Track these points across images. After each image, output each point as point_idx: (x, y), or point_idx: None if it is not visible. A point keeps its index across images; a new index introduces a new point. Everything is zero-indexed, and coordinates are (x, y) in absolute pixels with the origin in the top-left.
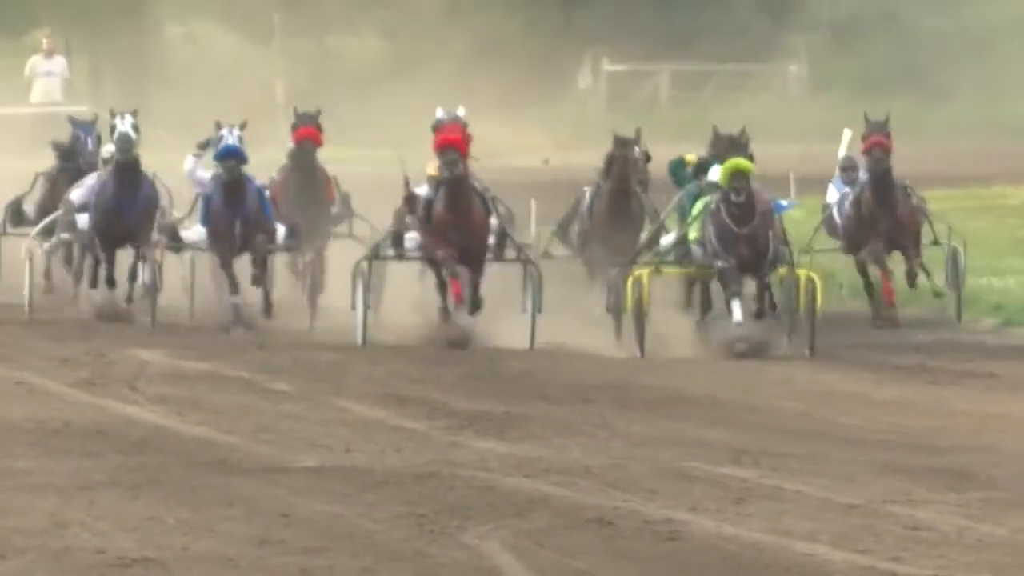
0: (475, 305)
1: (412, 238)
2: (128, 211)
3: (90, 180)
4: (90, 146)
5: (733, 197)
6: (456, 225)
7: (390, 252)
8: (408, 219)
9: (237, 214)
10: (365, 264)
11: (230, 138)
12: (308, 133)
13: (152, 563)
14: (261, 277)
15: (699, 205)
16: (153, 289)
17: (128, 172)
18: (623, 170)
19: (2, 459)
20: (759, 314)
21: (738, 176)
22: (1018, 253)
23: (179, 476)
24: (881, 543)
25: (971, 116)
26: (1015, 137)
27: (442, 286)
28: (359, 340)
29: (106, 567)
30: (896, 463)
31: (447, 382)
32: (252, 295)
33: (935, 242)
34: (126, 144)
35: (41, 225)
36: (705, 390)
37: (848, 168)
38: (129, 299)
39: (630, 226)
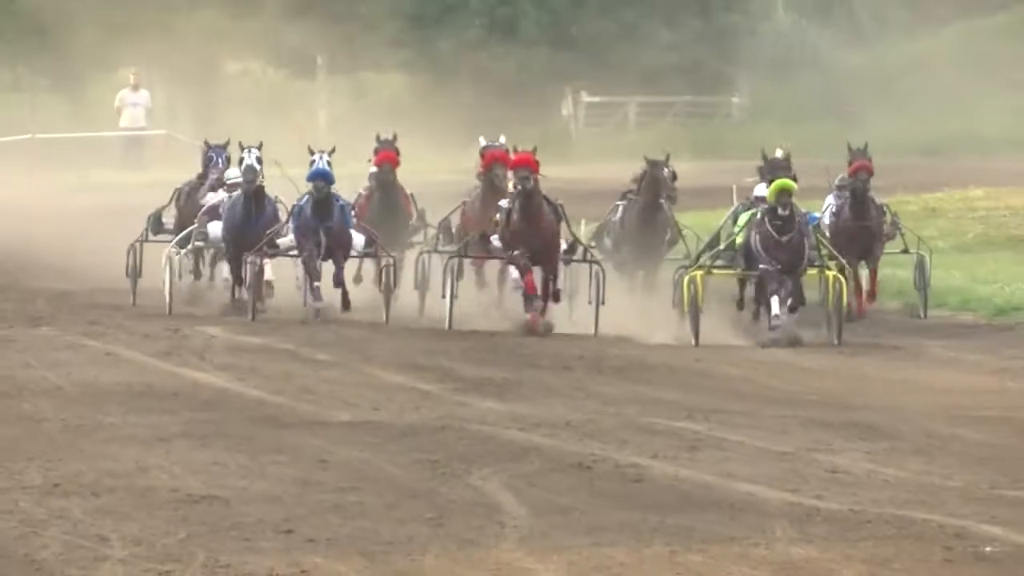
0: (555, 298)
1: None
2: (252, 228)
3: (217, 197)
4: (220, 165)
5: (780, 211)
6: (529, 230)
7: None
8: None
9: (322, 226)
10: (454, 261)
11: (320, 162)
12: (387, 156)
13: (216, 500)
14: (340, 278)
15: (746, 217)
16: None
17: (254, 197)
18: (654, 187)
19: (95, 415)
20: (792, 309)
21: (783, 194)
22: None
23: (238, 429)
24: (806, 484)
25: (879, 138)
26: (914, 155)
27: (519, 268)
28: (447, 326)
29: (179, 503)
30: (819, 419)
31: (455, 353)
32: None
33: (905, 251)
34: (251, 175)
35: (180, 236)
36: (662, 359)
37: (843, 187)
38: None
39: (656, 235)
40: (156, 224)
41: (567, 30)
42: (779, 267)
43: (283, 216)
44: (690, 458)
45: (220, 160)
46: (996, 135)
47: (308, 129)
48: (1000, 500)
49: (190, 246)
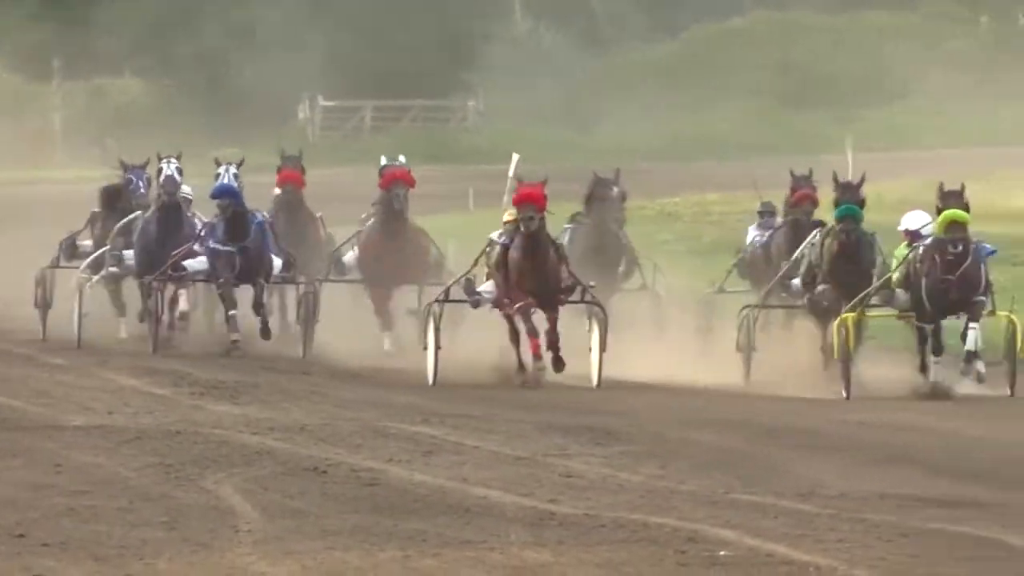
0: (553, 346)
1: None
2: (169, 249)
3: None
4: (142, 189)
5: (951, 248)
6: (533, 272)
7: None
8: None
9: (237, 247)
10: (437, 306)
11: (226, 176)
12: (291, 176)
13: None
14: (260, 304)
15: (901, 250)
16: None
17: (170, 214)
18: (603, 209)
19: None
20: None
21: (956, 227)
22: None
23: None
24: (542, 488)
25: (613, 142)
26: (647, 160)
27: (515, 338)
28: (431, 381)
29: None
30: (555, 423)
31: (191, 357)
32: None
33: None
34: (171, 186)
35: (90, 259)
36: (400, 364)
37: (765, 213)
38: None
39: (607, 260)
40: (69, 250)
41: (303, 35)
42: (948, 309)
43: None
44: (425, 462)
45: (141, 183)
46: (731, 139)
47: (43, 134)
48: (733, 504)
49: (104, 271)
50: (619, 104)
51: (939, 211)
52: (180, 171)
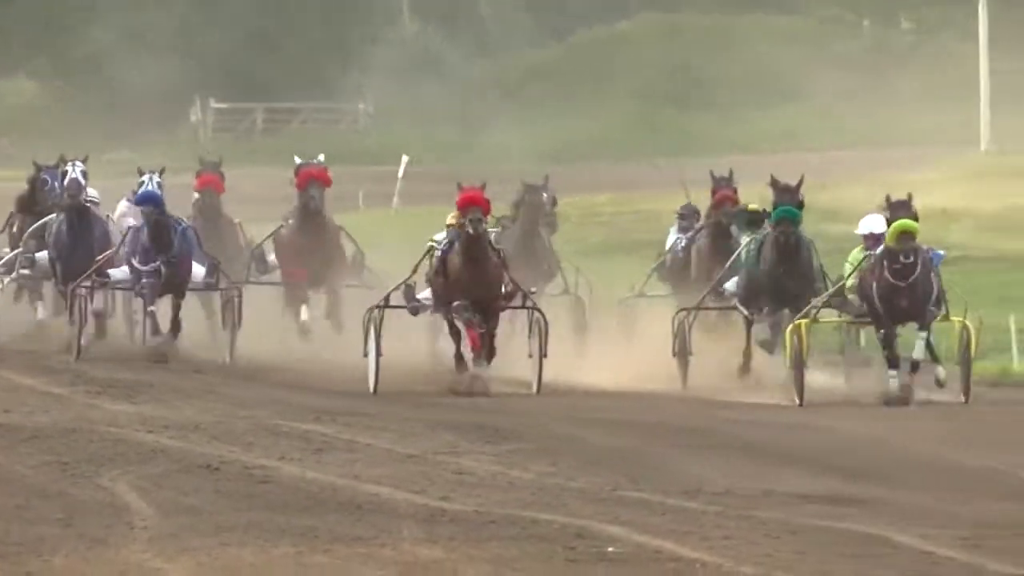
0: (490, 354)
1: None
2: (80, 252)
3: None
4: (57, 190)
5: (903, 259)
6: (473, 277)
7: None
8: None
9: (162, 257)
10: (376, 312)
11: (150, 184)
12: (209, 180)
13: None
14: (177, 312)
15: (856, 254)
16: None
17: (79, 216)
18: (532, 214)
19: None
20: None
21: (905, 237)
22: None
23: None
24: (433, 485)
25: (507, 145)
26: (540, 163)
27: (456, 333)
28: (371, 388)
29: None
30: (446, 421)
31: (87, 357)
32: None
33: None
34: (75, 189)
35: (3, 261)
36: (290, 363)
37: (686, 215)
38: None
39: (536, 263)
40: None
41: (194, 39)
42: (899, 318)
43: (116, 238)
44: (317, 460)
45: (55, 183)
46: (621, 141)
47: None
48: (621, 501)
49: (14, 274)
50: (507, 107)
51: (888, 221)
52: (85, 174)
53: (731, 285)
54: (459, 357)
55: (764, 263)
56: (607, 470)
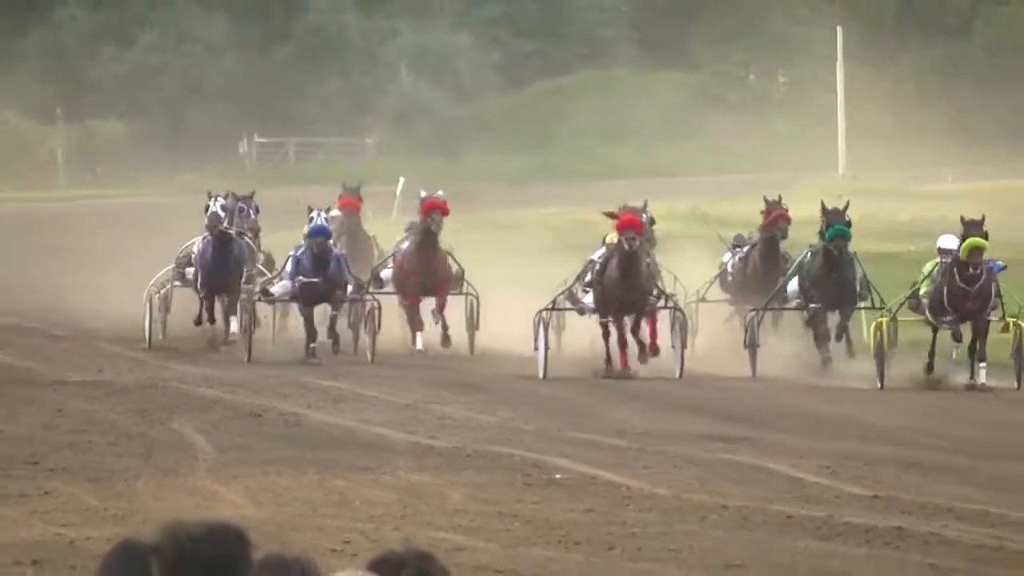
0: (646, 349)
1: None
2: (223, 270)
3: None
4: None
5: (971, 270)
6: (627, 287)
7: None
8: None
9: (321, 274)
10: (546, 313)
11: (319, 219)
12: (349, 203)
13: None
14: (334, 328)
15: (931, 267)
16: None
17: (222, 240)
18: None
19: None
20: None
21: (975, 252)
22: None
23: None
24: (423, 427)
25: (479, 169)
26: (505, 184)
27: (607, 335)
28: (541, 375)
29: None
30: (432, 379)
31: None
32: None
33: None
34: (215, 220)
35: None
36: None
37: (738, 244)
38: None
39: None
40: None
41: (241, 88)
42: (962, 318)
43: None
44: (336, 408)
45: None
46: (565, 167)
47: (47, 165)
48: (566, 439)
49: (168, 286)
50: (480, 141)
51: (963, 238)
52: (225, 208)
53: (793, 288)
54: (608, 360)
55: (817, 271)
56: (556, 416)
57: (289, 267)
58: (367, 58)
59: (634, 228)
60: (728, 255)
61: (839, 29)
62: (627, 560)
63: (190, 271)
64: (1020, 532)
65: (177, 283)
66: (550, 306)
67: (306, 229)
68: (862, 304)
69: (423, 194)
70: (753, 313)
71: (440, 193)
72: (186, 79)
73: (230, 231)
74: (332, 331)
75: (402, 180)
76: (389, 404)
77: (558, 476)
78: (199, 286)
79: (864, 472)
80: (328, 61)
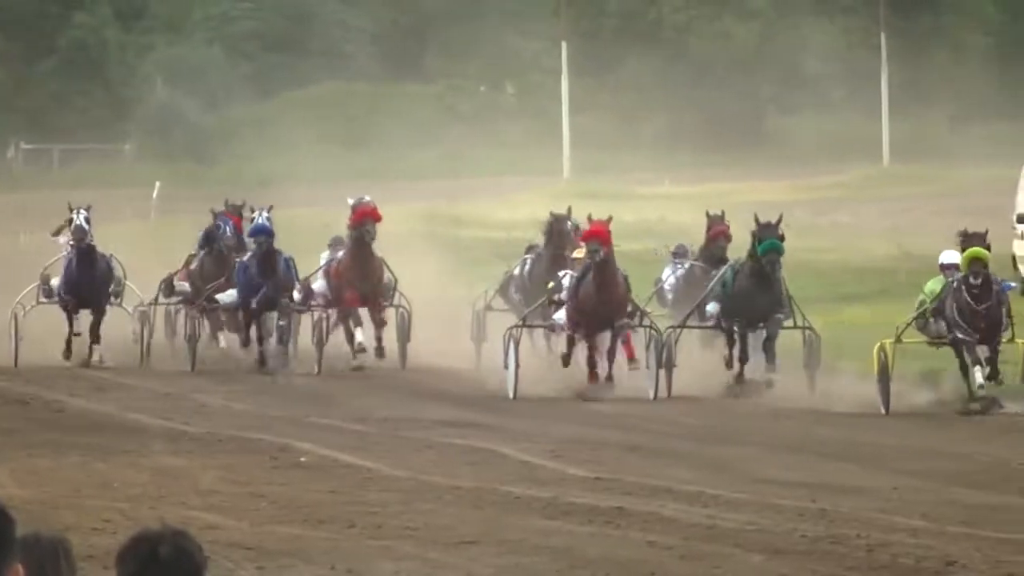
0: (611, 358)
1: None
2: (87, 283)
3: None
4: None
5: (972, 280)
6: (601, 300)
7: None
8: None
9: (268, 280)
10: (516, 331)
11: (260, 219)
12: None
13: None
14: (287, 330)
15: (933, 285)
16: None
17: (86, 254)
18: (560, 240)
19: None
20: (992, 377)
21: (976, 262)
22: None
23: None
24: (179, 414)
25: (227, 174)
26: (252, 186)
27: (572, 344)
28: (511, 394)
29: None
30: (194, 373)
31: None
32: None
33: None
34: (80, 234)
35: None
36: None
37: (678, 254)
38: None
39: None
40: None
41: (11, 96)
42: (977, 336)
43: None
44: (99, 396)
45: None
46: (315, 173)
47: None
48: (311, 425)
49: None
50: (231, 147)
51: (963, 250)
52: (88, 220)
53: (711, 307)
54: (566, 360)
55: (743, 287)
56: (302, 404)
57: (237, 276)
58: (126, 70)
59: (598, 238)
60: (668, 270)
61: (564, 44)
62: (368, 538)
63: (55, 282)
64: (732, 511)
65: (43, 300)
66: (520, 323)
67: (248, 230)
68: (787, 323)
69: (351, 201)
70: (670, 331)
71: (367, 198)
72: None
73: (95, 244)
74: (281, 342)
75: (158, 184)
76: (150, 392)
77: (303, 459)
78: (64, 294)
79: (588, 456)
80: (90, 72)
